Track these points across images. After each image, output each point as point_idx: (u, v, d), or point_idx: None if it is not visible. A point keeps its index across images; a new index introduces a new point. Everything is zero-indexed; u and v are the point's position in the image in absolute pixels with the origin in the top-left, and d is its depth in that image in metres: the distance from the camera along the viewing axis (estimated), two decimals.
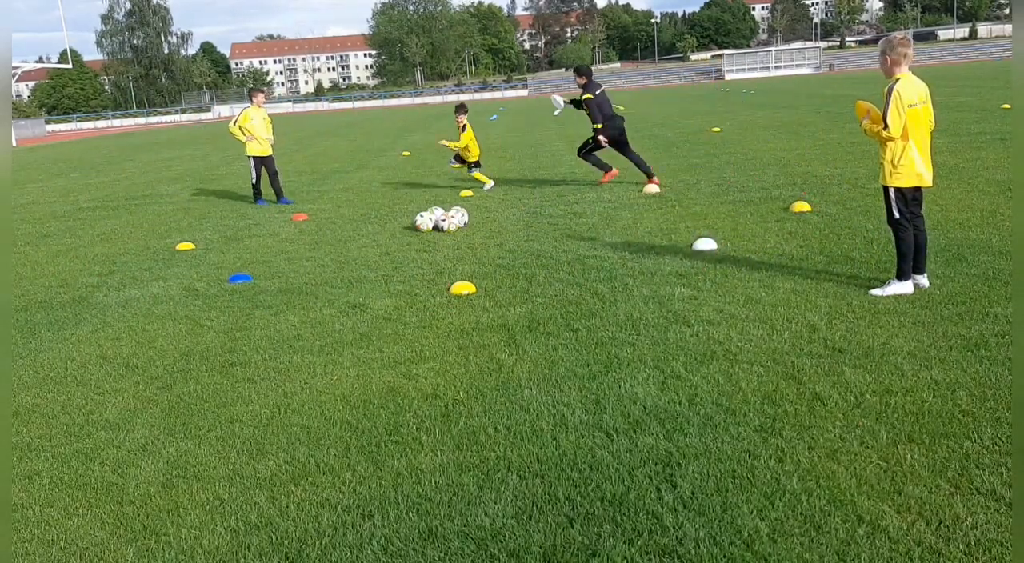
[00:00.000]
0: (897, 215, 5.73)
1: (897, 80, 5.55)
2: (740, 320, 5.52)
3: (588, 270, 7.19)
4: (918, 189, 5.78)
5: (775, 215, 9.01)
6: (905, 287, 5.78)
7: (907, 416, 3.94)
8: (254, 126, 13.30)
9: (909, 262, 5.77)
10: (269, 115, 14.24)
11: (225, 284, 7.85)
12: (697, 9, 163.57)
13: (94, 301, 7.57)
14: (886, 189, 5.75)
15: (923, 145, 5.66)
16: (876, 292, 5.83)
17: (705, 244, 7.74)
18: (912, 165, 5.62)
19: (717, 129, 20.65)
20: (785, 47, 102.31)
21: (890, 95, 5.51)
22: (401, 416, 4.39)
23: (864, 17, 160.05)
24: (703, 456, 3.69)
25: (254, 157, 13.47)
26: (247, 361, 5.50)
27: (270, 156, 13.60)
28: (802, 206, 9.18)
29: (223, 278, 8.09)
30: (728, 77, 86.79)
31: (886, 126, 5.52)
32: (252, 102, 13.68)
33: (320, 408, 4.58)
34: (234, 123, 13.51)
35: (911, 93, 5.53)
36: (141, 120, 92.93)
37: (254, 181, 13.60)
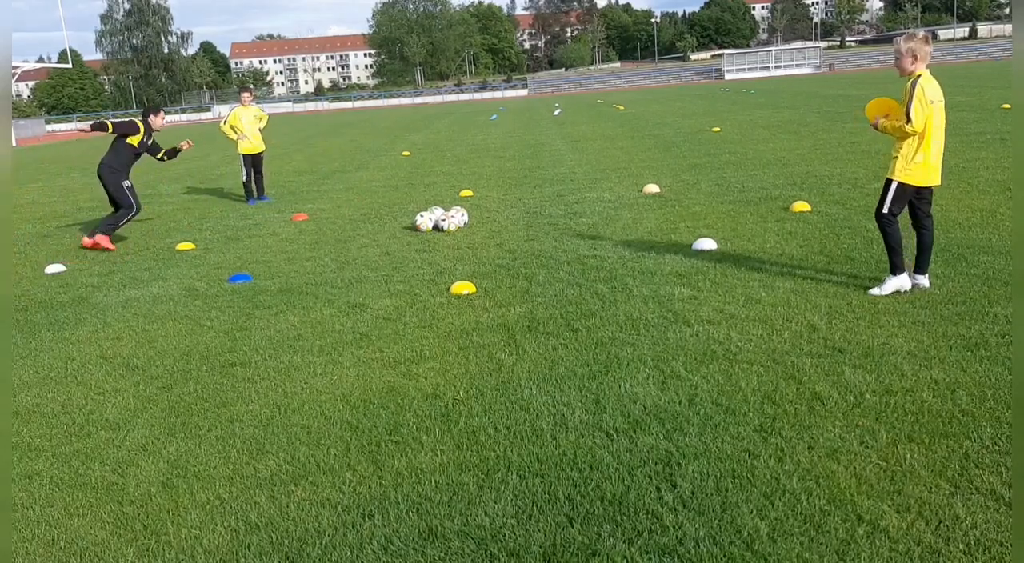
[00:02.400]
0: (885, 209, 5.70)
1: (919, 76, 5.54)
2: (740, 320, 5.52)
3: (588, 270, 7.19)
4: (928, 189, 5.76)
5: (775, 215, 9.01)
6: (902, 281, 5.76)
7: (907, 416, 3.94)
8: (244, 125, 13.57)
9: (900, 255, 5.75)
10: (267, 113, 14.49)
11: (225, 284, 7.85)
12: (697, 9, 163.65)
13: (94, 301, 7.57)
14: (889, 182, 5.72)
15: (940, 143, 5.65)
16: (875, 291, 5.83)
17: (705, 244, 7.74)
18: (926, 163, 5.60)
19: (717, 129, 20.65)
20: (785, 47, 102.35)
21: (914, 90, 5.46)
22: (401, 416, 4.39)
23: (864, 17, 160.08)
24: (703, 456, 3.70)
25: (245, 155, 13.78)
26: (247, 361, 5.50)
27: (260, 154, 13.89)
28: (802, 206, 9.19)
29: (223, 278, 8.09)
30: (728, 77, 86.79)
31: (909, 120, 5.49)
32: (240, 101, 14.06)
33: (320, 408, 4.59)
34: (224, 123, 13.98)
35: (933, 90, 5.52)
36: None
37: (244, 179, 13.86)
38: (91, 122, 10.33)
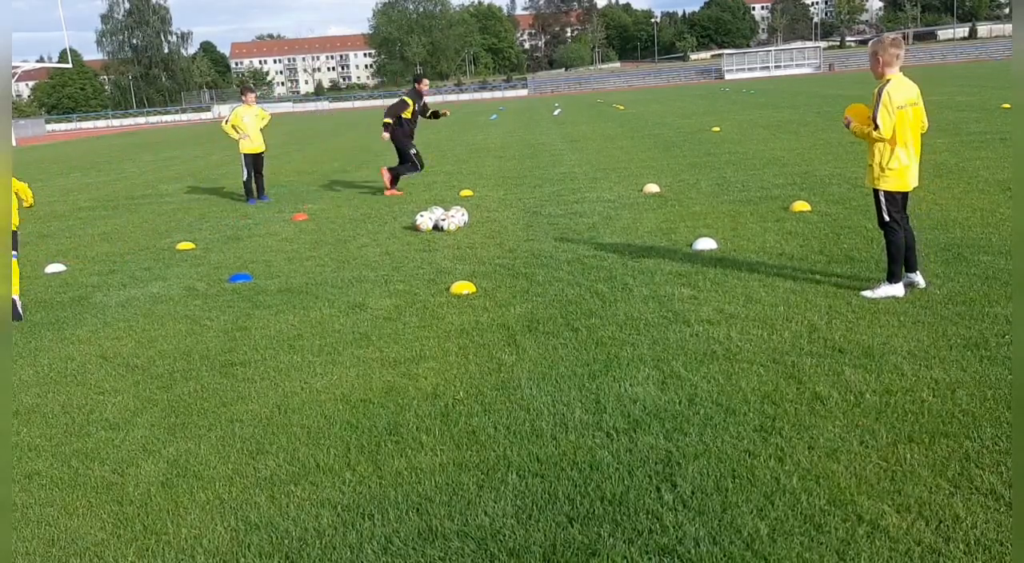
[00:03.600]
0: (887, 218, 5.71)
1: (888, 81, 5.54)
2: (740, 320, 5.52)
3: (588, 270, 7.19)
4: (906, 192, 5.77)
5: (775, 215, 9.01)
6: (896, 289, 5.76)
7: (907, 416, 3.94)
8: (246, 125, 13.52)
9: (900, 264, 5.76)
10: (270, 113, 14.47)
11: (225, 284, 7.85)
12: (697, 9, 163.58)
13: (94, 301, 7.57)
14: (876, 192, 5.73)
15: (912, 148, 5.64)
16: (867, 293, 5.82)
17: (705, 244, 7.74)
18: (901, 168, 5.59)
19: (717, 129, 20.65)
20: (785, 47, 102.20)
21: (880, 97, 5.48)
22: (401, 416, 4.39)
23: (864, 17, 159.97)
24: (703, 456, 3.70)
25: (246, 155, 13.73)
26: (247, 361, 5.50)
27: (260, 154, 13.86)
28: (802, 206, 9.19)
29: (223, 278, 8.09)
30: (728, 77, 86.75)
31: (876, 128, 5.51)
32: (243, 101, 13.95)
33: (320, 408, 4.59)
34: (226, 122, 13.89)
35: (901, 95, 5.51)
36: (141, 120, 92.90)
37: (245, 179, 13.85)
38: (385, 127, 12.81)
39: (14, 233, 7.66)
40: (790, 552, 2.96)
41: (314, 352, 5.57)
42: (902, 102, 5.49)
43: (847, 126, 5.78)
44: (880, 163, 5.63)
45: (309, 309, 6.69)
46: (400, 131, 12.93)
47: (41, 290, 8.21)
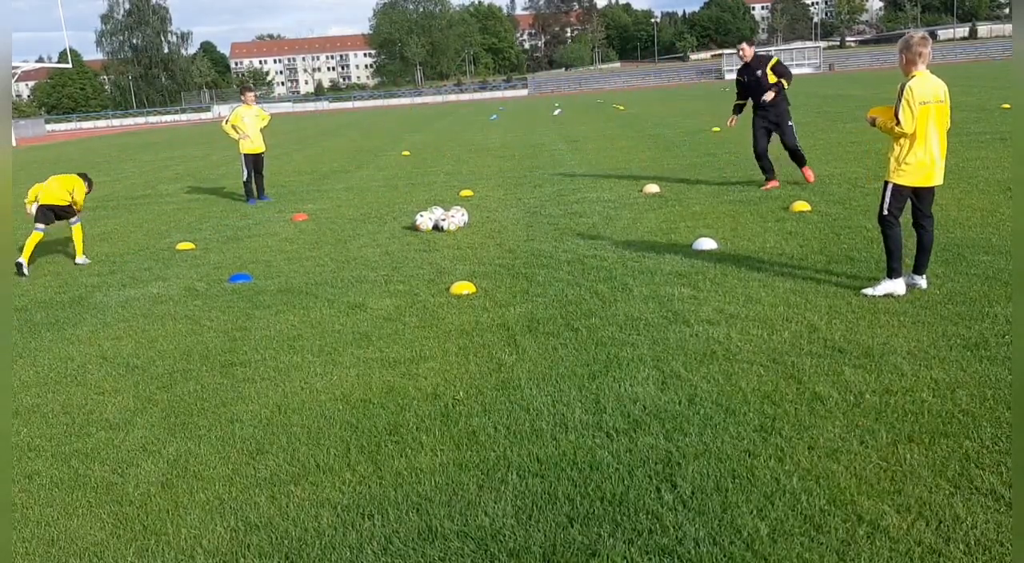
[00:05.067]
0: (886, 212, 5.74)
1: (912, 78, 5.58)
2: (740, 320, 5.52)
3: (588, 270, 7.19)
4: (928, 189, 5.78)
5: (775, 215, 9.01)
6: (896, 285, 5.77)
7: (907, 416, 3.94)
8: (246, 125, 13.52)
9: (898, 260, 5.77)
10: (270, 114, 14.45)
11: (225, 284, 7.85)
12: (697, 9, 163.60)
13: (94, 301, 7.57)
14: (885, 184, 5.77)
15: (935, 144, 5.66)
16: (868, 291, 5.84)
17: (705, 244, 7.74)
18: (918, 164, 5.62)
19: (717, 129, 20.64)
20: (785, 47, 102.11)
21: (902, 92, 5.54)
22: (401, 416, 4.39)
23: (864, 17, 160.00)
24: (703, 456, 3.70)
25: (246, 155, 13.71)
26: (247, 361, 5.50)
27: (260, 155, 13.85)
28: (802, 206, 9.19)
29: (223, 278, 8.09)
30: (728, 77, 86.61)
31: (898, 122, 5.54)
32: (242, 101, 13.95)
33: (320, 408, 4.59)
34: (226, 122, 13.87)
35: (924, 91, 5.54)
36: (141, 120, 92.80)
37: (245, 179, 13.83)
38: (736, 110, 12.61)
39: (70, 206, 9.67)
40: (790, 552, 2.96)
41: (314, 352, 5.58)
42: (926, 98, 5.53)
43: (872, 124, 5.81)
44: (897, 156, 5.67)
45: (309, 309, 6.69)
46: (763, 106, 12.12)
47: (41, 290, 8.21)
